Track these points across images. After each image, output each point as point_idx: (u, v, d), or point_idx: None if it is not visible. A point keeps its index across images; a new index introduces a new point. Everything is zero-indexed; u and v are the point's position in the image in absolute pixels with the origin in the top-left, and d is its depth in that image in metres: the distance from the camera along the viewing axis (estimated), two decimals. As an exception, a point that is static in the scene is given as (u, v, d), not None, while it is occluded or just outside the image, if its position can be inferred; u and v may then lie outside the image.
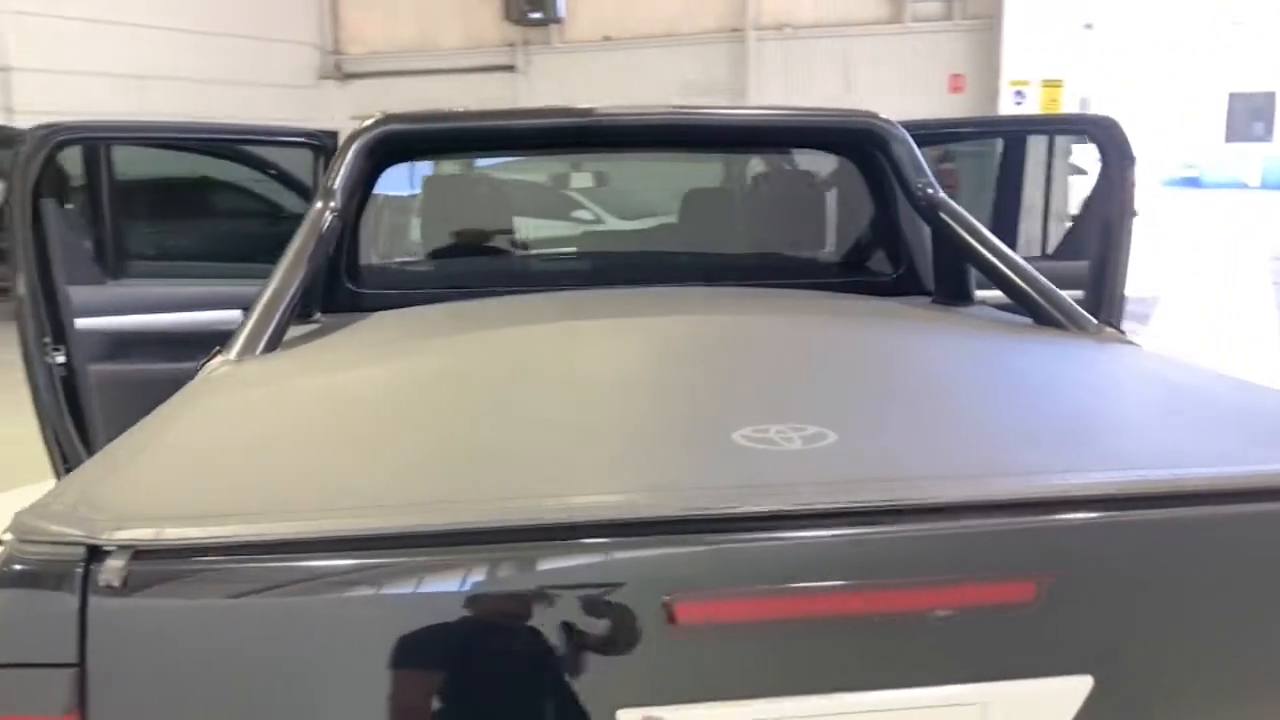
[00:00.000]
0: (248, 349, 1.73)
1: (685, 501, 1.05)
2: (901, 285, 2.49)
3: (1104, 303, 3.03)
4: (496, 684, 1.00)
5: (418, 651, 0.99)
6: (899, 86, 12.50)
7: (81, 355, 2.71)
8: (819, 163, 3.14)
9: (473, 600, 1.01)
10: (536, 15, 14.09)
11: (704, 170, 3.88)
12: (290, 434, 1.35)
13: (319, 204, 2.05)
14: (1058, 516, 1.08)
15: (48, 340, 2.69)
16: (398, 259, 2.94)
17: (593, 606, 1.01)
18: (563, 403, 1.41)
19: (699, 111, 2.50)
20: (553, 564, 1.02)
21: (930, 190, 2.22)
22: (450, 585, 1.01)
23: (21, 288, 2.67)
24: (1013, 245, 3.78)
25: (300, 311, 2.17)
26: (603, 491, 1.10)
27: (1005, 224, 3.80)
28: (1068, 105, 11.76)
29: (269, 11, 14.42)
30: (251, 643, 0.98)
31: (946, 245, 2.25)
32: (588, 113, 2.29)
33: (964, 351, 1.72)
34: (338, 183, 2.08)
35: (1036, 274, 2.00)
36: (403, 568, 1.00)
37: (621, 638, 1.01)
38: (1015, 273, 2.01)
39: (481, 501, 1.08)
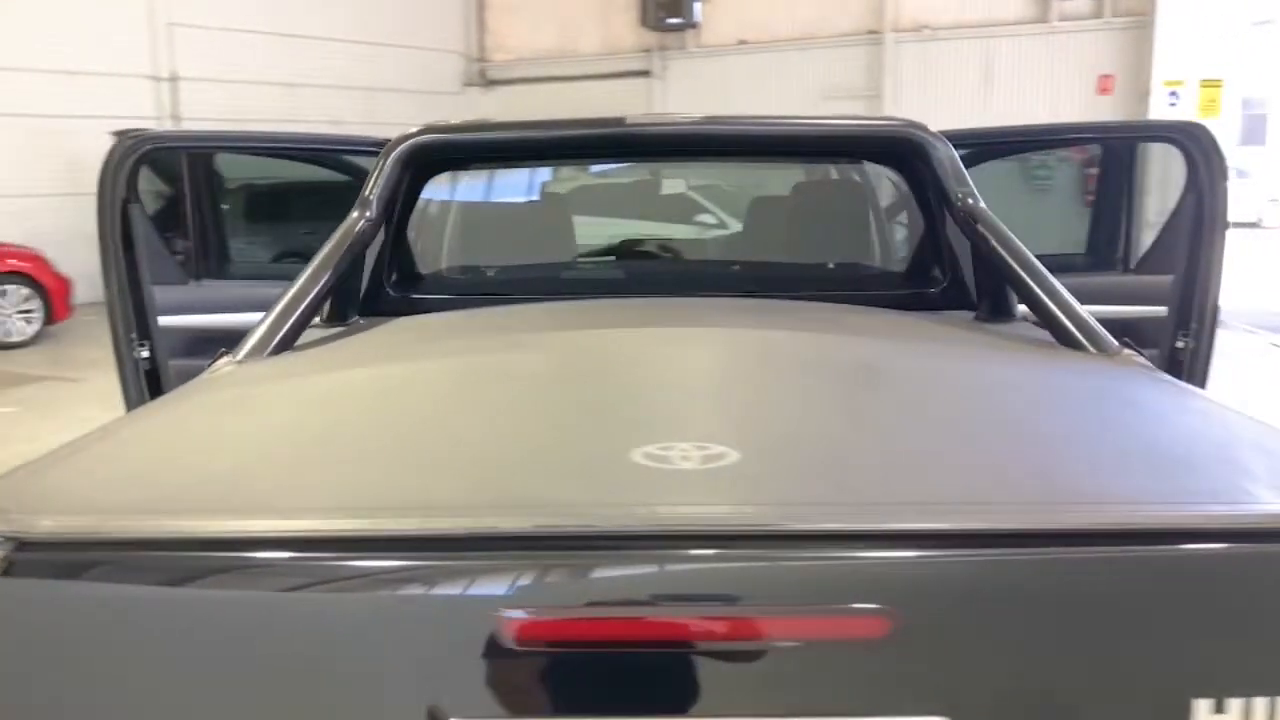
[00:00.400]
0: (256, 350, 1.81)
1: (521, 518, 1.05)
2: (947, 299, 2.40)
3: (1190, 320, 2.84)
4: (320, 688, 1.02)
5: (248, 650, 1.02)
6: (1043, 88, 12.04)
7: (164, 350, 2.87)
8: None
9: (298, 602, 1.04)
10: (673, 20, 14.19)
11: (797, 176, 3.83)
12: (237, 434, 1.41)
13: (354, 213, 2.13)
14: (912, 552, 1.03)
15: (133, 336, 2.86)
16: (446, 265, 3.00)
17: (427, 617, 1.03)
18: (495, 414, 1.43)
19: (733, 121, 2.47)
20: (387, 574, 1.04)
21: (971, 201, 2.14)
22: (276, 588, 1.05)
23: (111, 288, 2.85)
24: (1113, 256, 3.58)
25: (337, 315, 2.24)
26: (453, 506, 1.11)
27: (1105, 234, 3.61)
28: (1228, 107, 11.10)
29: (419, 21, 14.97)
30: (127, 632, 1.03)
31: (984, 259, 2.16)
32: (619, 122, 2.30)
33: (938, 372, 1.64)
34: (373, 192, 2.15)
35: (1063, 292, 1.90)
36: (244, 568, 1.04)
37: (454, 650, 1.01)
38: (1043, 289, 1.92)
39: (317, 509, 1.11)
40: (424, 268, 2.77)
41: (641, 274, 2.85)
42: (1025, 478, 1.20)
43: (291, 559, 1.05)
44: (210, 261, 3.56)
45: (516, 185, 4.39)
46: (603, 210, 3.99)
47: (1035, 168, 10.11)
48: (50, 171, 11.20)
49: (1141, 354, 1.78)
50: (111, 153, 2.77)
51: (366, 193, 2.17)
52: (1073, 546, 1.04)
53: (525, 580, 1.03)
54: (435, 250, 2.93)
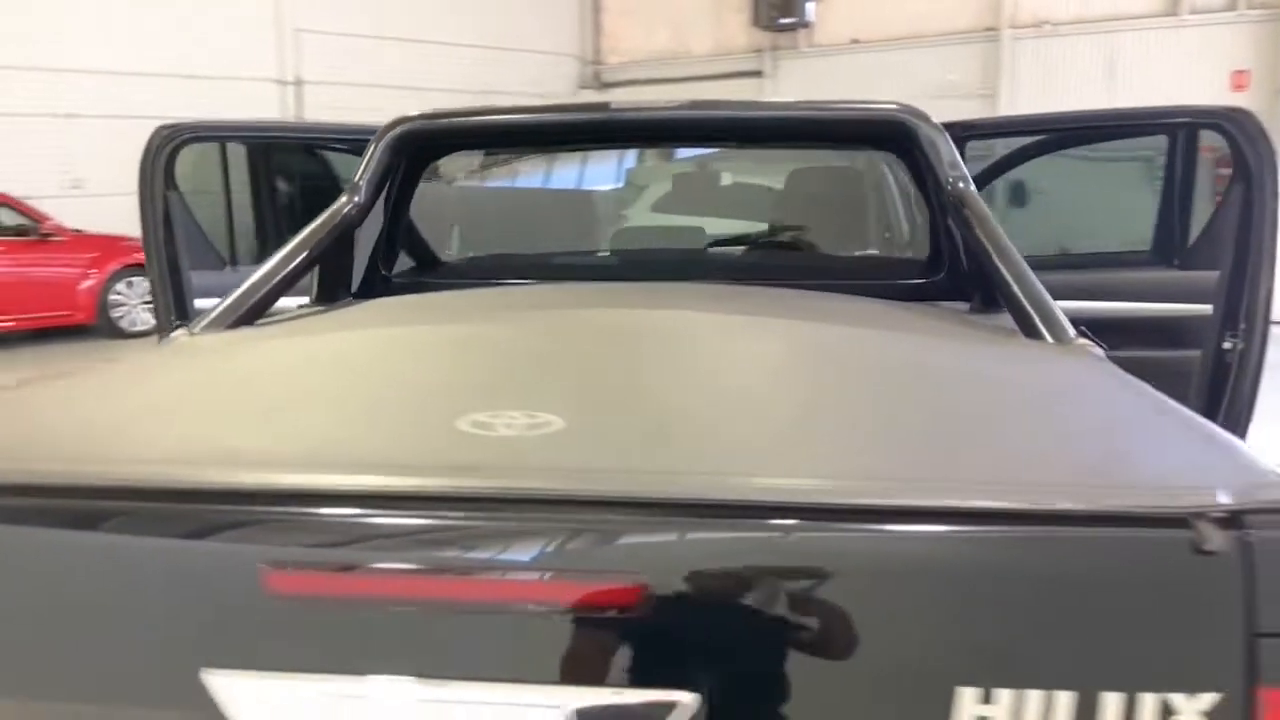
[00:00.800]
0: (215, 324, 1.86)
1: (288, 477, 1.06)
2: (943, 290, 2.30)
3: (1239, 319, 2.66)
4: (97, 635, 1.05)
5: (69, 592, 1.06)
6: (1172, 86, 11.43)
7: None
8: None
9: (106, 551, 1.07)
10: (785, 20, 14.06)
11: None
12: (134, 394, 1.47)
13: (343, 197, 2.18)
14: (667, 520, 0.99)
15: (173, 318, 3.00)
16: (448, 251, 3.04)
17: (188, 568, 1.04)
18: (362, 384, 1.45)
19: (718, 106, 2.43)
20: (156, 521, 1.06)
21: (961, 185, 2.05)
22: (92, 538, 1.08)
23: (153, 272, 3.00)
24: (1174, 254, 3.39)
25: (325, 296, 2.30)
26: (234, 462, 1.13)
27: (1168, 229, 3.42)
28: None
29: (536, 25, 15.23)
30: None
31: (970, 248, 2.07)
32: (604, 107, 2.29)
33: (837, 353, 1.57)
34: (362, 177, 2.20)
35: (1032, 281, 1.80)
36: (73, 514, 1.08)
37: (215, 601, 1.03)
38: (1013, 277, 1.83)
39: (131, 460, 1.14)
40: (427, 253, 2.81)
41: (641, 263, 2.83)
42: (832, 456, 1.14)
43: (90, 507, 1.09)
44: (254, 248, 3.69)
45: (606, 174, 4.41)
46: (684, 209, 3.98)
47: (1160, 168, 9.62)
48: (179, 171, 11.81)
49: (1099, 345, 1.68)
50: (150, 143, 2.90)
51: (356, 177, 2.22)
52: (836, 524, 0.99)
53: (283, 536, 1.04)
54: (440, 237, 2.97)
